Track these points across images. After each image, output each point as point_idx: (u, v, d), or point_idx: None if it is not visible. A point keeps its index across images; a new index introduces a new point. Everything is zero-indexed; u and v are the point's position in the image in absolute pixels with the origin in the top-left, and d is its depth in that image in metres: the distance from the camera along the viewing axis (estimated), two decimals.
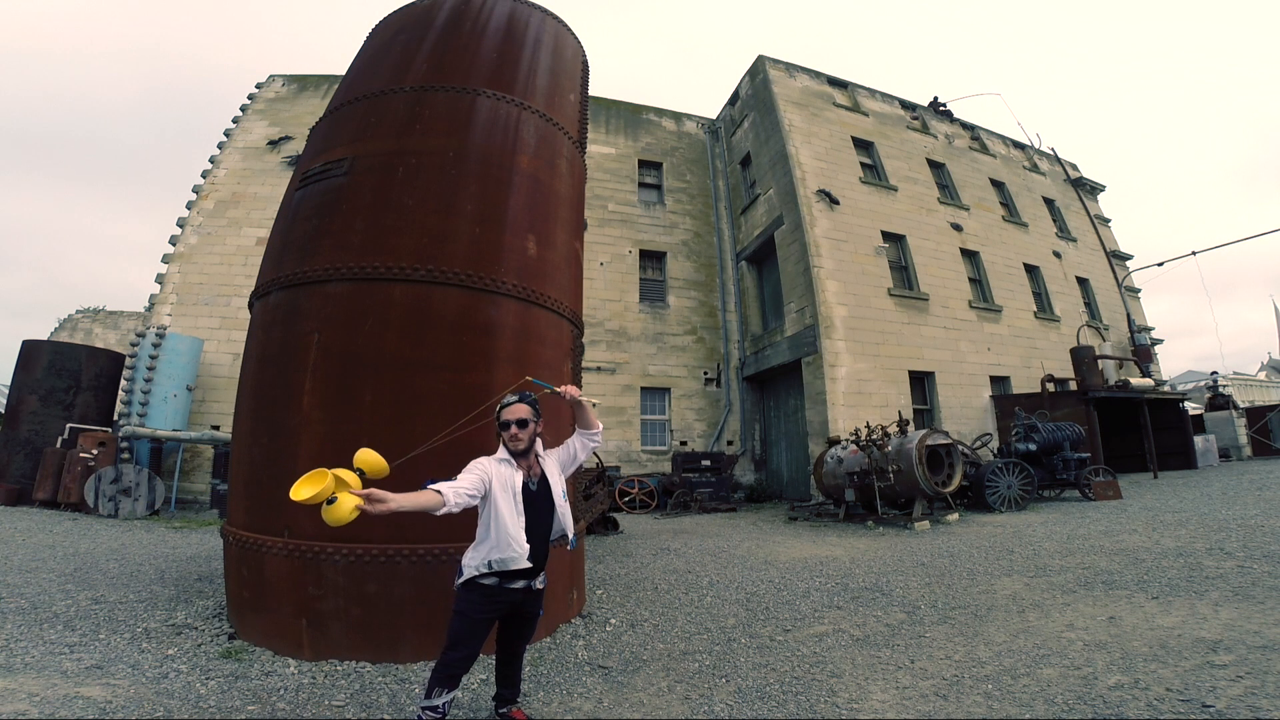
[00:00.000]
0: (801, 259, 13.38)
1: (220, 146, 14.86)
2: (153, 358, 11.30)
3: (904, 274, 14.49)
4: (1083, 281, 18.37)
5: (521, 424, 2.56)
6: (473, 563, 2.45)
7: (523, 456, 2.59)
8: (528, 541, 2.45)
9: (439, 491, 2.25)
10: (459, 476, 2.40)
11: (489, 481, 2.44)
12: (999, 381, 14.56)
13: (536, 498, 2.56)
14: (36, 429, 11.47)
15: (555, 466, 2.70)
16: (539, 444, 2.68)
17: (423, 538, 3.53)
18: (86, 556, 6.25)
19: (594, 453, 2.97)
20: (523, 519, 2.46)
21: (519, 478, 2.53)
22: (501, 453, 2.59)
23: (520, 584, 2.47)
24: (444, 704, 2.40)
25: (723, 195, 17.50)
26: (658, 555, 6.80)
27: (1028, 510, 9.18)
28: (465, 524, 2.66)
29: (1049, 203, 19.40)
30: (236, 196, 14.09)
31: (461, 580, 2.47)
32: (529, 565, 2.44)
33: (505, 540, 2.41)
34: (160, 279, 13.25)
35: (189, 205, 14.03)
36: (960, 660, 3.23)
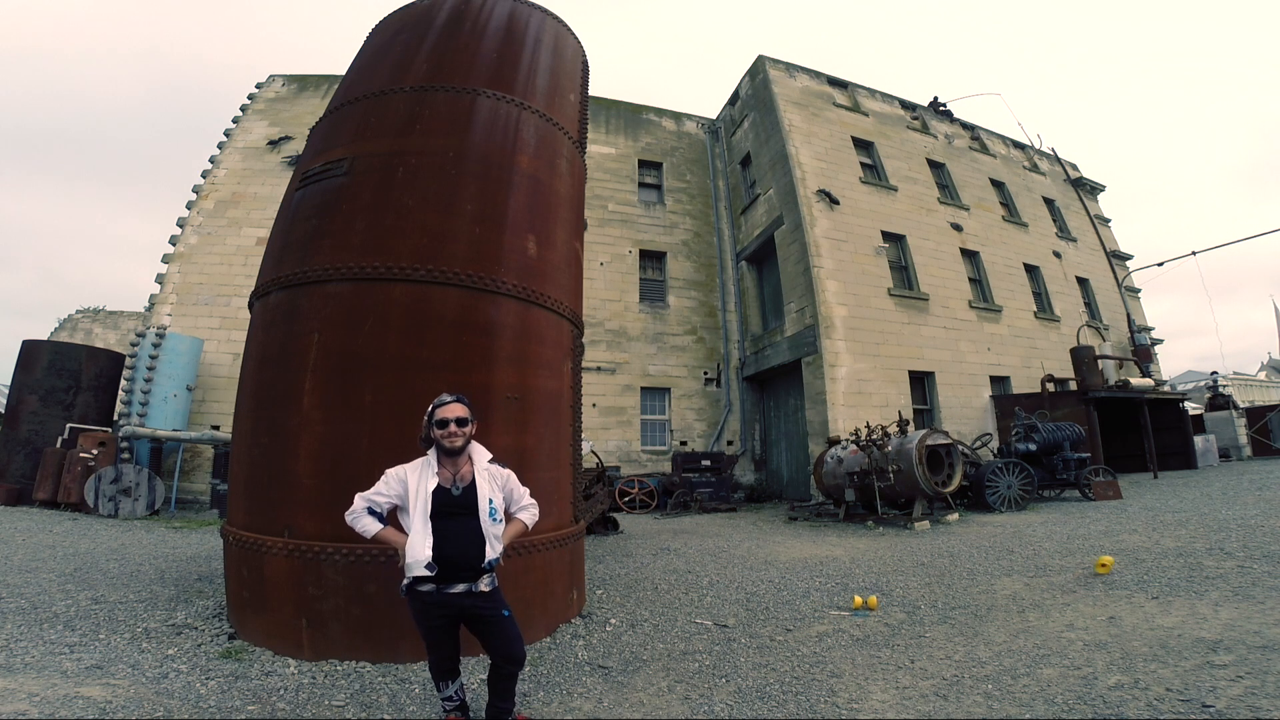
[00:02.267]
0: (801, 259, 13.38)
1: (220, 146, 14.86)
2: (153, 358, 11.30)
3: (904, 274, 14.49)
4: (1083, 281, 18.37)
5: (460, 422, 2.53)
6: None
7: (455, 455, 2.53)
8: (432, 549, 2.35)
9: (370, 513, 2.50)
10: (363, 490, 2.52)
11: (404, 491, 2.48)
12: (999, 381, 14.56)
13: (457, 503, 2.45)
14: (36, 429, 11.46)
15: (490, 483, 2.56)
16: (478, 451, 2.62)
17: None
18: (86, 556, 6.25)
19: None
20: (429, 526, 2.39)
21: (433, 482, 2.47)
22: (430, 455, 2.55)
23: (460, 588, 2.39)
24: (455, 691, 2.53)
25: (723, 195, 17.50)
26: (658, 555, 6.80)
27: (1028, 510, 9.18)
28: None
29: (1049, 203, 19.40)
30: (236, 196, 14.09)
31: (403, 589, 2.44)
32: (428, 574, 2.35)
33: (409, 549, 2.38)
34: (160, 279, 13.25)
35: (189, 205, 14.03)
36: (960, 660, 3.23)
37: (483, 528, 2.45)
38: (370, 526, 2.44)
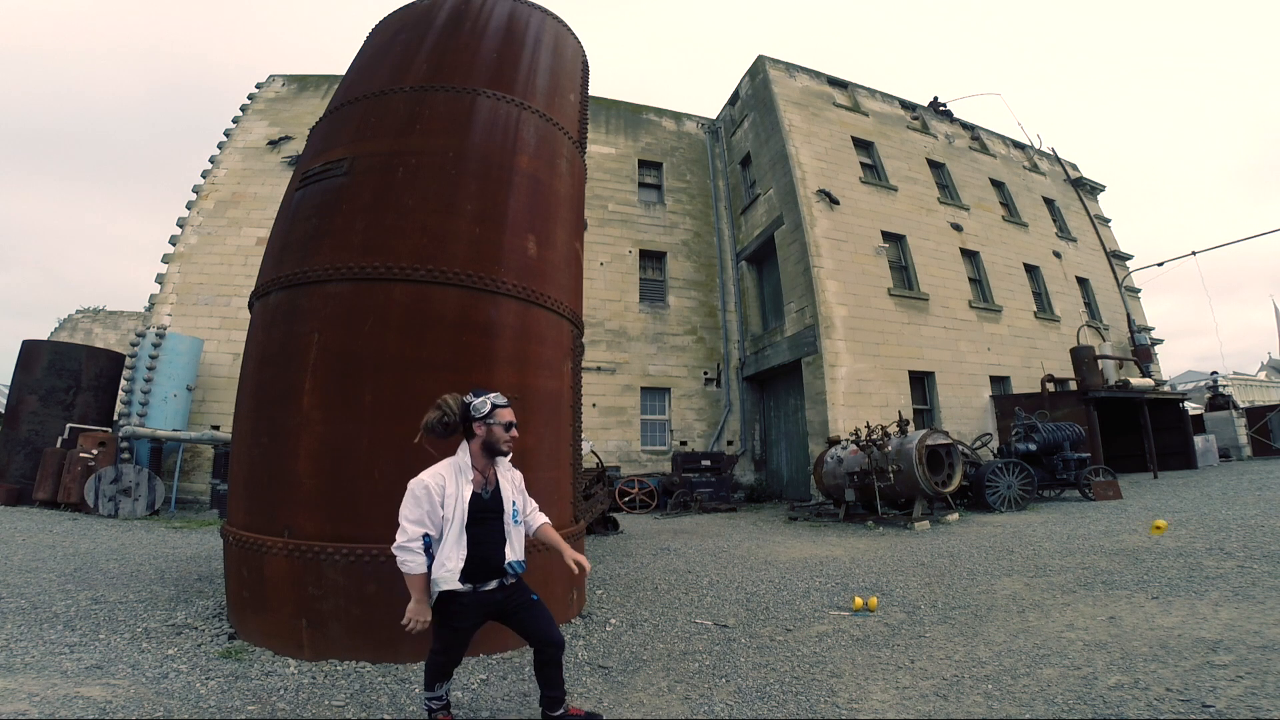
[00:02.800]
0: (801, 259, 13.38)
1: (220, 146, 14.86)
2: (153, 358, 11.31)
3: (904, 274, 14.49)
4: (1083, 281, 18.37)
5: (517, 426, 2.57)
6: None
7: (496, 458, 2.56)
8: (470, 556, 2.37)
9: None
10: (407, 510, 2.38)
11: (440, 501, 2.40)
12: (999, 381, 14.57)
13: (488, 507, 2.47)
14: (36, 429, 11.47)
15: (512, 485, 2.59)
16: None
17: None
18: (86, 556, 6.25)
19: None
20: (464, 538, 2.38)
21: (468, 490, 2.45)
22: (461, 456, 2.51)
23: (493, 584, 2.42)
24: (444, 691, 2.53)
25: (723, 195, 17.50)
26: (658, 555, 6.80)
27: (1028, 510, 9.18)
28: None
29: (1049, 203, 19.40)
30: (236, 196, 14.09)
31: (431, 600, 2.42)
32: (460, 586, 2.35)
33: (439, 560, 2.37)
34: (160, 279, 13.25)
35: (189, 205, 14.03)
36: (960, 660, 3.23)
37: (505, 529, 2.49)
38: (418, 568, 2.32)
